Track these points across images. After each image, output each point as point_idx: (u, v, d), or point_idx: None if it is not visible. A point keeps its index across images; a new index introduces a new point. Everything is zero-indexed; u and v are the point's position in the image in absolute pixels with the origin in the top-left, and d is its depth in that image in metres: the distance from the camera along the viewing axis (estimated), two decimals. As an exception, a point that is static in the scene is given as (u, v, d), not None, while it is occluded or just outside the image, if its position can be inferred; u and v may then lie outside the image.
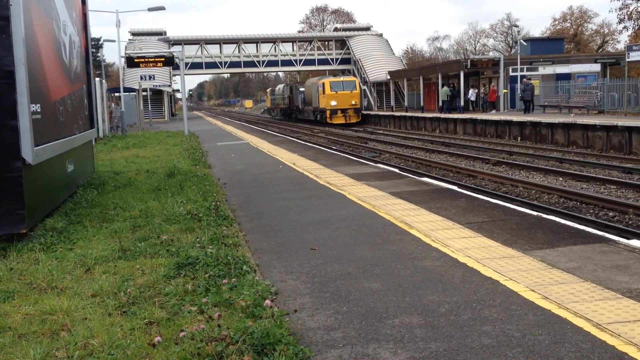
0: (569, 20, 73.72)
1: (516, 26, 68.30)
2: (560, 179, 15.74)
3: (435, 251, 6.91)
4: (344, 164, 16.57)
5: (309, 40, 73.50)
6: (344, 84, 47.64)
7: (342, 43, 71.96)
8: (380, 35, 73.32)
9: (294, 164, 16.78)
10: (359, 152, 24.93)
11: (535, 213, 8.89)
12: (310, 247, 7.40)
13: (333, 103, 46.96)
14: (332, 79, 49.09)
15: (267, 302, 5.07)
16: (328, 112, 47.26)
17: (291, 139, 28.96)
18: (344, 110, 47.29)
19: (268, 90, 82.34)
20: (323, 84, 48.11)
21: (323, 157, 18.49)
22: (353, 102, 47.47)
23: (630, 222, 10.70)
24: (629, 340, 4.26)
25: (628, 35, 55.58)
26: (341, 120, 47.02)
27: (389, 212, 9.22)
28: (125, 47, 58.39)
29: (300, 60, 71.26)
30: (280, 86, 73.20)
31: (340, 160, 17.58)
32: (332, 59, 71.47)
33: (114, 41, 41.26)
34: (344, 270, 6.37)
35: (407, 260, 6.63)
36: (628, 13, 42.13)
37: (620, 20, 44.85)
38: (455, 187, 11.83)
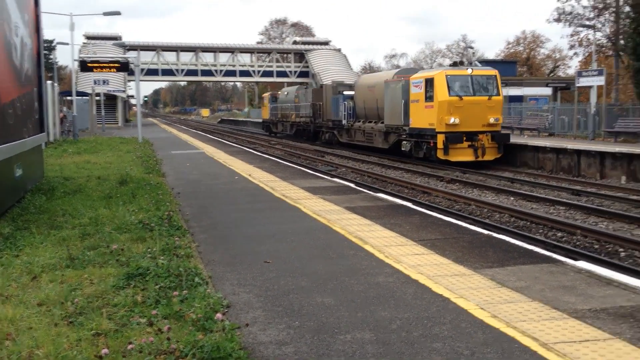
0: (522, 44, 75.59)
1: (471, 48, 69.49)
2: (512, 198, 16.07)
3: (389, 267, 6.95)
4: (300, 176, 16.57)
5: (268, 52, 73.70)
6: (474, 83, 23.79)
7: (300, 56, 72.42)
8: (339, 50, 74.04)
9: (249, 175, 16.71)
10: (316, 165, 24.98)
11: (486, 232, 9.04)
12: (264, 259, 7.36)
13: (453, 120, 23.08)
14: (452, 70, 24.11)
15: (219, 315, 5.03)
16: (442, 140, 23.25)
17: (247, 150, 28.85)
18: (471, 136, 23.44)
19: (266, 95, 55.46)
20: (430, 80, 24.03)
21: (279, 170, 18.47)
22: (492, 120, 23.70)
23: (577, 242, 10.97)
24: (575, 360, 4.35)
25: (579, 61, 57.34)
26: (467, 157, 23.45)
27: (343, 227, 9.25)
28: (80, 50, 57.43)
29: (259, 72, 71.36)
30: (290, 90, 48.13)
31: (296, 173, 17.58)
32: (290, 72, 71.81)
33: (67, 44, 40.49)
34: (298, 284, 6.36)
35: (360, 275, 6.65)
36: (579, 40, 43.68)
37: (572, 47, 46.40)
38: (409, 204, 11.94)
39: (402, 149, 26.54)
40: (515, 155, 24.92)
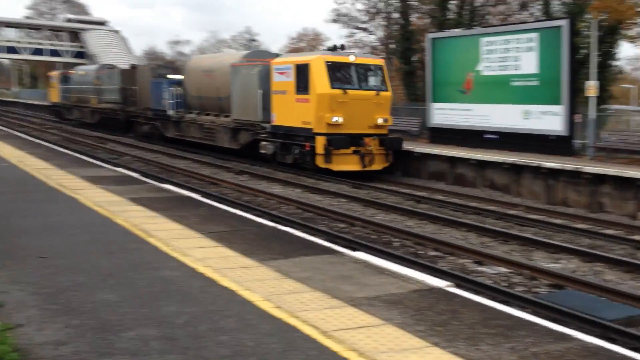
0: (304, 41, 78.52)
1: (255, 40, 70.84)
2: (298, 190, 16.65)
3: (174, 261, 6.86)
4: (79, 165, 15.69)
5: (37, 28, 68.44)
6: (358, 73, 19.56)
7: (75, 35, 68.25)
8: (117, 32, 71.08)
9: (20, 162, 15.44)
10: (97, 153, 23.72)
11: (271, 224, 9.29)
12: (38, 255, 6.87)
13: (336, 119, 18.63)
14: (332, 56, 19.21)
15: (-14, 317, 4.61)
16: (323, 144, 18.56)
17: (18, 134, 26.61)
18: (357, 140, 18.98)
19: (55, 74, 46.24)
20: (303, 67, 19.08)
21: (55, 157, 17.31)
22: (380, 121, 19.44)
23: (357, 234, 11.69)
24: (351, 345, 4.65)
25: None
26: (353, 165, 19.04)
27: (127, 219, 8.93)
28: None
29: (28, 49, 65.94)
30: (88, 69, 40.77)
31: (74, 161, 16.60)
32: (65, 51, 67.33)
33: None
34: (77, 280, 6.04)
35: (145, 270, 6.48)
36: (354, 41, 46.24)
37: (348, 47, 49.01)
38: (197, 196, 11.86)
39: (262, 151, 21.03)
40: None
